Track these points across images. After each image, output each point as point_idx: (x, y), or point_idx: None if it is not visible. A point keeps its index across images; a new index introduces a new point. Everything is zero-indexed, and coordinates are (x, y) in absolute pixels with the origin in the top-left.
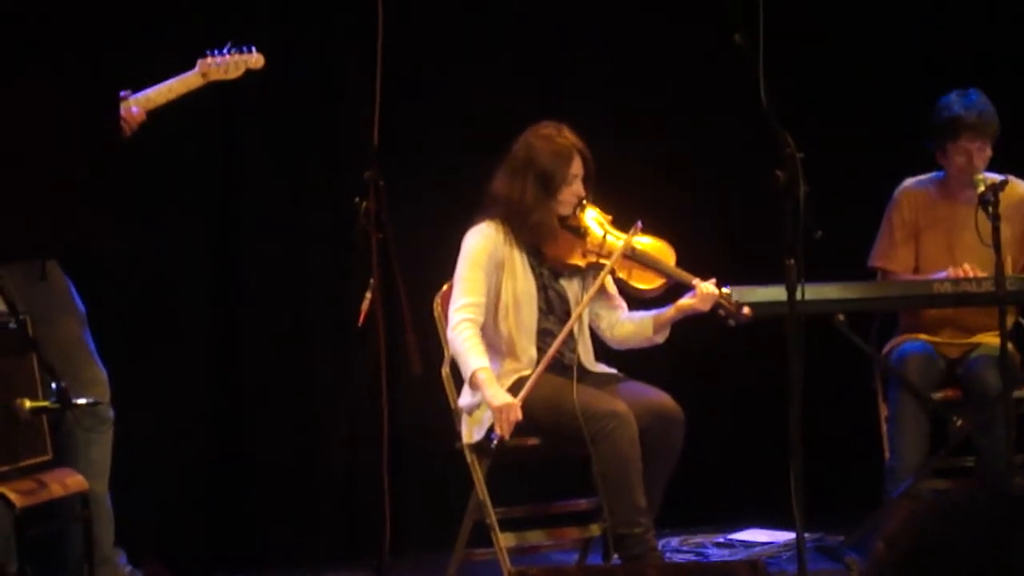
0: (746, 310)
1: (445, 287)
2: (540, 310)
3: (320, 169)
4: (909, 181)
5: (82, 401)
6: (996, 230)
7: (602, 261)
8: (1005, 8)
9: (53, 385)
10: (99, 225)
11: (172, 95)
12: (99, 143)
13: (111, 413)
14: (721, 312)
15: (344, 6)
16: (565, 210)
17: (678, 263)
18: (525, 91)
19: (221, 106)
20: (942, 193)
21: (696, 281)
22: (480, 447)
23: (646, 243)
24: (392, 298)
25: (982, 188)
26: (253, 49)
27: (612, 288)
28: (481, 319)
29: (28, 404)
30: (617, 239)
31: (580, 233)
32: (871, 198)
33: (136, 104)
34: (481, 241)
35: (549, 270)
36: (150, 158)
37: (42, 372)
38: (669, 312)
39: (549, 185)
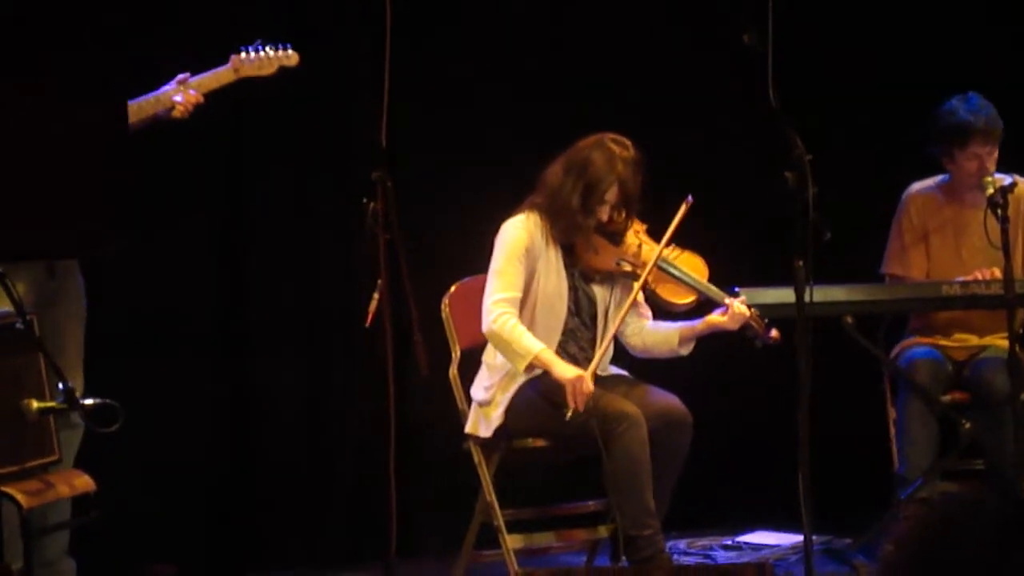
0: (774, 332)
1: (454, 288)
2: (569, 310)
3: (328, 169)
4: (915, 185)
5: (89, 402)
6: (1005, 232)
7: (636, 271)
8: (1013, 11)
9: (60, 385)
10: (104, 226)
11: (204, 89)
12: (105, 142)
13: (80, 419)
14: (749, 333)
15: (353, 5)
16: (593, 222)
17: (710, 279)
18: (533, 92)
19: (228, 105)
20: (948, 196)
21: (729, 300)
22: (489, 443)
23: (682, 257)
24: (400, 299)
25: (991, 191)
26: (288, 47)
27: (639, 297)
28: (517, 312)
29: (36, 404)
30: (651, 249)
31: (615, 240)
32: (880, 200)
33: (195, 87)
34: (520, 234)
35: (580, 272)
36: (156, 158)
37: (49, 372)
38: (698, 326)
39: (590, 197)
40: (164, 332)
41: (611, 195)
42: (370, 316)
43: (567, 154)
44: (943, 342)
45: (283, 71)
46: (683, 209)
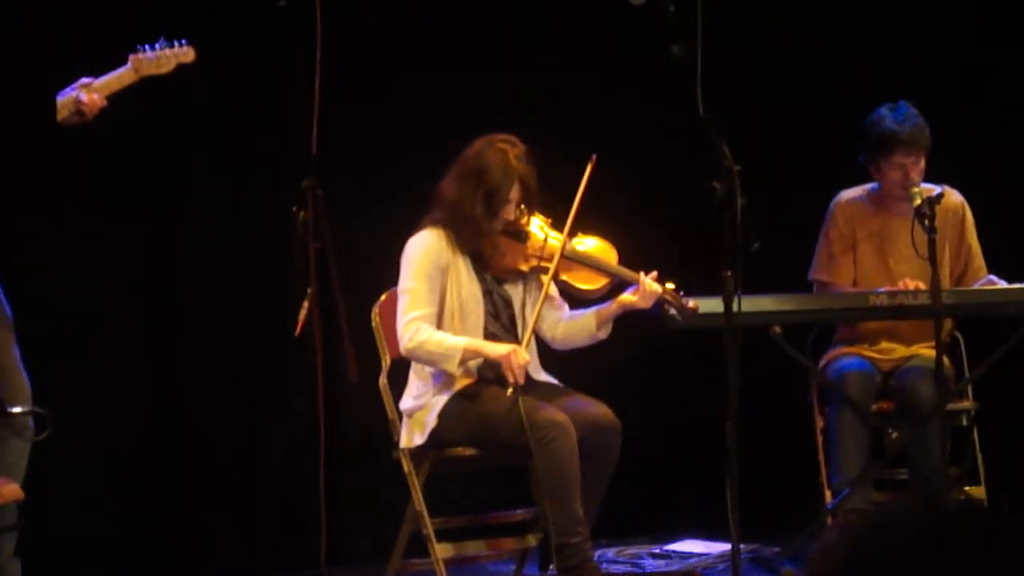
0: (692, 303)
1: (384, 296)
2: (488, 313)
3: (261, 177)
4: (844, 194)
5: (17, 410)
6: (932, 243)
7: (544, 264)
8: (939, 19)
9: None
10: (29, 230)
11: (107, 91)
12: (27, 146)
13: (31, 424)
14: (668, 309)
15: (286, 13)
16: (499, 225)
17: (620, 261)
18: (468, 100)
19: (160, 112)
20: (877, 205)
21: (640, 276)
22: (419, 452)
23: (588, 243)
24: (330, 308)
25: (918, 201)
26: (184, 43)
27: (553, 289)
28: (432, 325)
29: None
30: (557, 240)
31: (521, 238)
32: (809, 210)
33: (97, 90)
34: (424, 249)
35: (492, 276)
36: (88, 163)
37: None
38: (611, 308)
39: (492, 201)
40: (93, 338)
41: (514, 193)
42: (300, 325)
43: (458, 164)
44: (870, 352)
45: (181, 68)
46: (588, 169)
